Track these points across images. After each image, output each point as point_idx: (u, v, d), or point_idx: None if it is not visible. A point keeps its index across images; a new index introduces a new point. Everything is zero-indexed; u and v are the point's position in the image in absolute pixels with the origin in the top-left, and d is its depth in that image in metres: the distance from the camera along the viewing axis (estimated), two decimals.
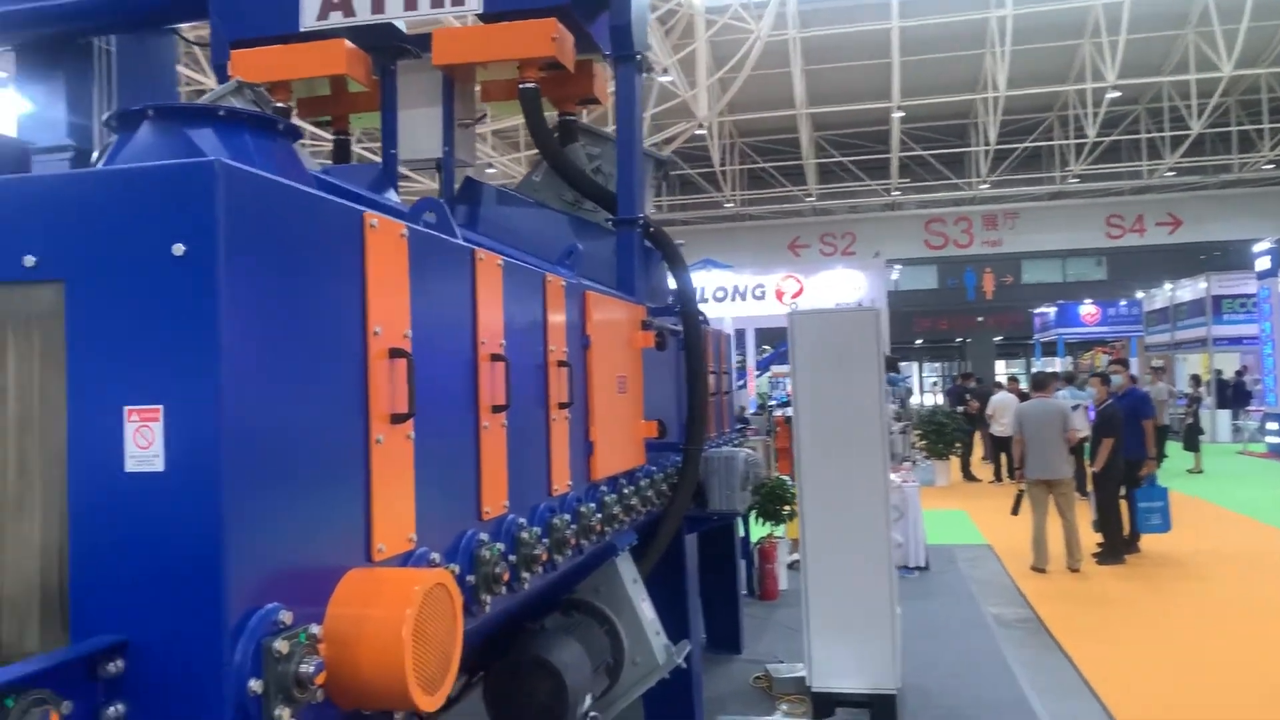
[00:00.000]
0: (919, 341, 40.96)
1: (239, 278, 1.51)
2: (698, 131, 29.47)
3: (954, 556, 9.70)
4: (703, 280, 28.27)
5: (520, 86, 3.99)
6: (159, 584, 1.47)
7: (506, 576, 2.33)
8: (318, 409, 1.73)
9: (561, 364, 2.98)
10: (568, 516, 2.88)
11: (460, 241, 2.43)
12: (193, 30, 5.70)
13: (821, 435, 5.20)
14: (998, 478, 16.21)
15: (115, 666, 1.45)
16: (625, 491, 3.56)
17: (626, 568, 3.71)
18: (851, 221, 38.39)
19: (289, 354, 1.65)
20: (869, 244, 36.35)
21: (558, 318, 2.99)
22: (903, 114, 29.50)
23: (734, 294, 27.56)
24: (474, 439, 2.36)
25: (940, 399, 32.41)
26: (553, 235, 4.30)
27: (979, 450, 18.55)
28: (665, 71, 25.16)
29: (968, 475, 16.93)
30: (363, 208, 1.91)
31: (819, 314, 5.81)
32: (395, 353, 1.93)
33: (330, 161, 4.72)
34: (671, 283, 4.53)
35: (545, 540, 2.69)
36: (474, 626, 2.29)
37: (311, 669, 1.53)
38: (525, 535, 2.53)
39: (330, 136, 4.73)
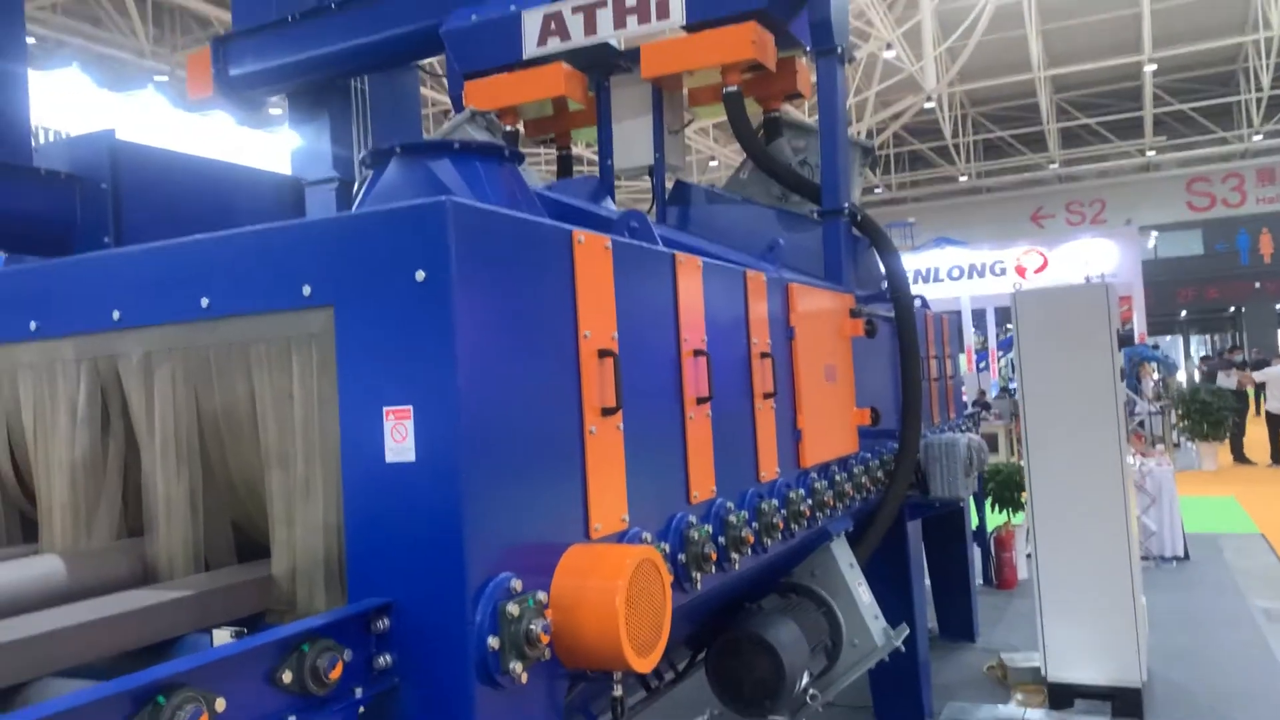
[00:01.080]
0: (1184, 314, 37.39)
1: (469, 297, 1.78)
2: (926, 105, 28.43)
3: (1219, 546, 8.95)
4: (937, 259, 27.30)
5: (724, 91, 4.16)
6: (415, 556, 1.77)
7: (715, 556, 2.52)
8: (539, 405, 1.99)
9: (765, 355, 3.13)
10: (775, 502, 3.03)
11: (660, 248, 2.63)
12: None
13: (1051, 418, 5.03)
14: (1275, 459, 14.66)
15: (383, 623, 1.76)
16: (837, 478, 3.66)
17: (842, 552, 3.80)
18: (1101, 187, 35.63)
19: (513, 359, 1.92)
20: (1121, 211, 33.62)
21: (759, 311, 3.14)
22: (1155, 67, 27.08)
23: (970, 271, 26.40)
24: (680, 429, 2.57)
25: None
26: (760, 230, 4.44)
27: (1257, 430, 16.84)
28: (889, 46, 24.47)
29: (1240, 458, 15.42)
30: (571, 226, 2.15)
31: (1044, 293, 5.61)
32: (603, 353, 2.17)
33: (554, 176, 5.09)
34: (883, 268, 4.55)
35: (754, 524, 2.86)
36: (688, 602, 2.50)
37: (539, 629, 1.78)
38: (732, 518, 2.71)
39: (555, 152, 5.10)
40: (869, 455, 4.15)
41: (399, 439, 1.77)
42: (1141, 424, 15.70)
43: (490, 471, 1.81)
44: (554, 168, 5.42)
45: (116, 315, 2.06)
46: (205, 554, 2.04)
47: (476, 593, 1.74)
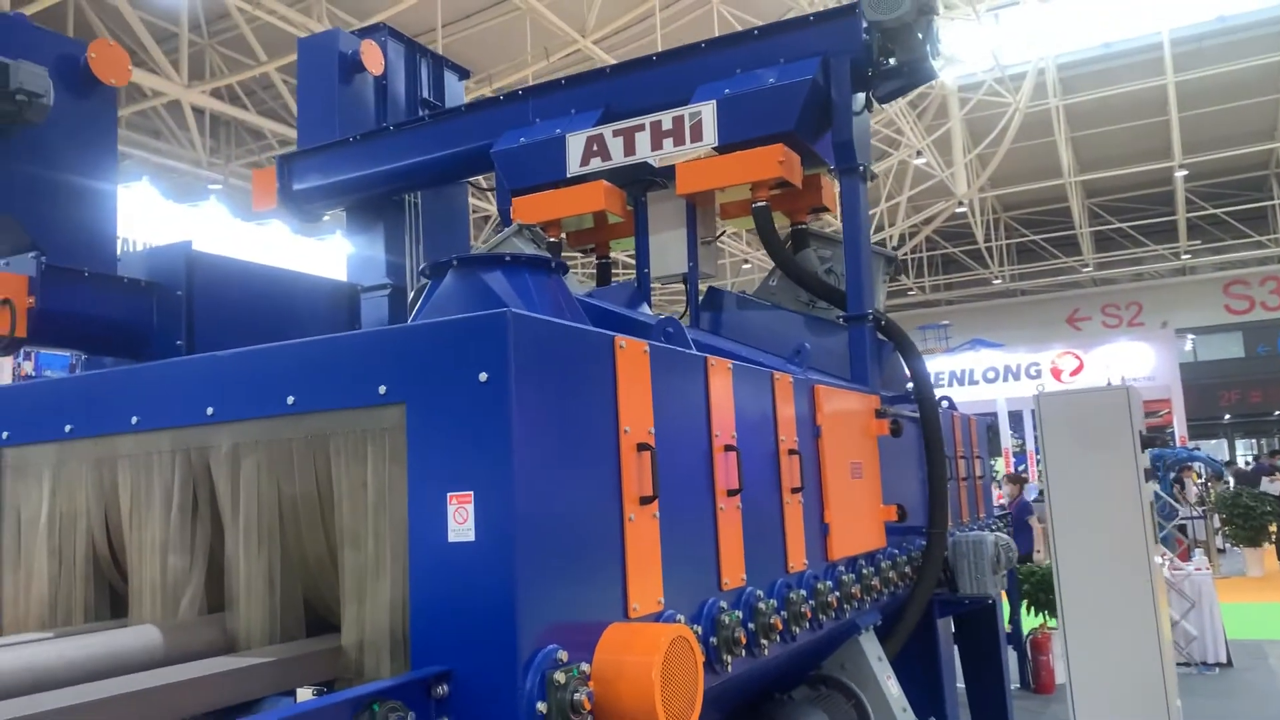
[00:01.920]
0: (1226, 417, 36.87)
1: (525, 395, 2.02)
2: (958, 210, 28.95)
3: (1265, 652, 8.79)
4: (972, 361, 27.38)
5: (753, 206, 4.46)
6: (473, 628, 1.97)
7: (744, 639, 2.68)
8: (584, 493, 2.20)
9: (792, 452, 3.33)
10: (804, 592, 3.19)
11: (693, 351, 2.88)
12: None
13: (1077, 519, 5.14)
14: None
15: (442, 689, 1.95)
16: (865, 572, 3.80)
17: (870, 645, 3.92)
18: (1137, 290, 35.71)
19: (562, 451, 2.14)
20: (1158, 313, 33.59)
21: (787, 410, 3.35)
22: (1186, 172, 27.47)
23: (1005, 374, 26.44)
24: (712, 518, 2.76)
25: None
26: (788, 334, 4.69)
27: None
28: (919, 154, 25.12)
29: None
30: (613, 333, 2.40)
31: (1068, 395, 5.76)
32: (641, 446, 2.39)
33: (594, 283, 5.40)
34: (908, 370, 4.75)
35: (782, 612, 3.02)
36: (719, 684, 2.65)
37: (583, 696, 1.96)
38: (762, 605, 2.87)
39: (594, 261, 5.43)
40: (896, 551, 4.28)
41: (460, 521, 1.99)
42: (1183, 529, 15.50)
43: (541, 552, 2.02)
44: (592, 274, 5.74)
45: (210, 411, 2.33)
46: (280, 630, 2.25)
47: (527, 662, 1.93)
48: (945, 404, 5.96)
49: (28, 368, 7.47)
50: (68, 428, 2.53)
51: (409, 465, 2.07)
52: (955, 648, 6.57)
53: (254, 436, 2.28)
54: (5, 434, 2.64)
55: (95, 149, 4.51)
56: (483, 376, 2.00)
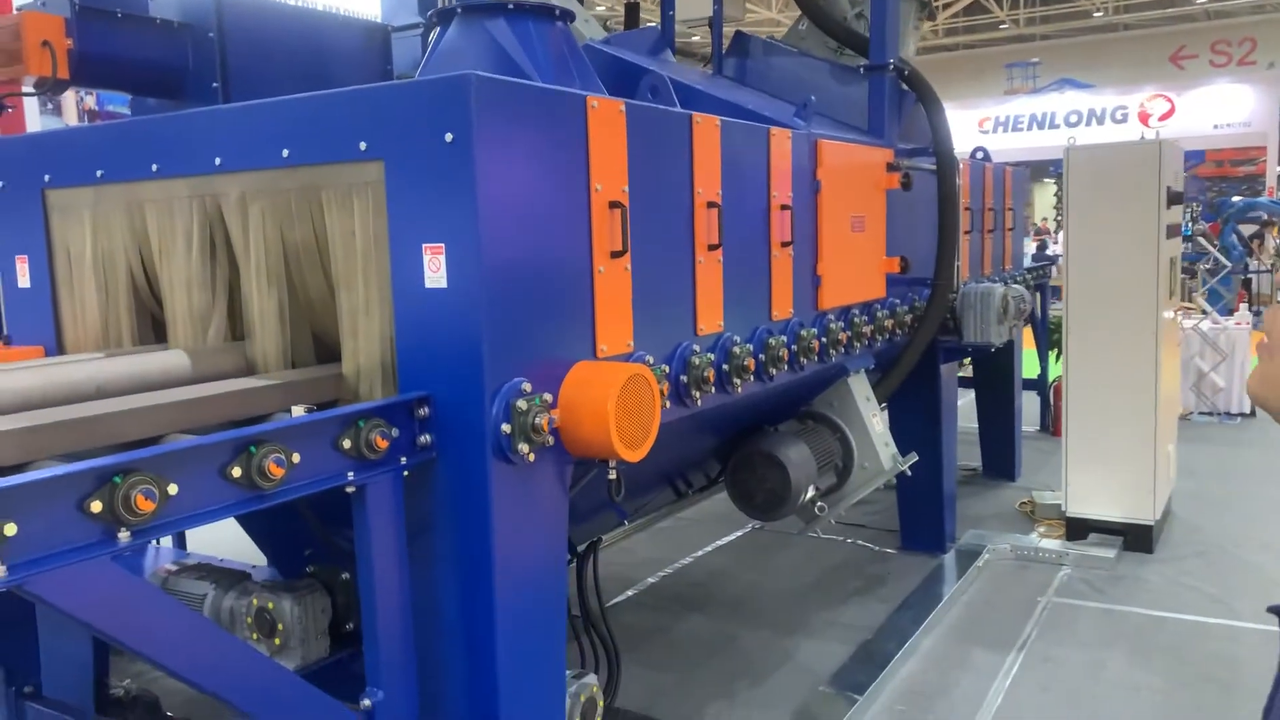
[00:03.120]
0: None
1: (489, 155, 2.19)
2: None
3: None
4: (1055, 104, 25.99)
5: None
6: (448, 361, 2.26)
7: (712, 377, 2.96)
8: (552, 247, 2.41)
9: (784, 208, 3.46)
10: (785, 338, 3.43)
11: (676, 110, 2.96)
12: None
13: (1093, 271, 5.21)
14: None
15: (424, 411, 2.27)
16: (856, 320, 4.01)
17: (859, 386, 4.21)
18: (1254, 25, 32.73)
19: (530, 207, 2.33)
20: (1275, 51, 30.97)
21: (782, 166, 3.45)
22: None
23: (1089, 118, 25.17)
24: (690, 271, 2.97)
25: None
26: (813, 81, 4.65)
27: None
28: None
29: None
30: (585, 93, 2.51)
31: (1096, 149, 5.63)
32: (613, 204, 2.56)
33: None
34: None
35: (760, 355, 3.28)
36: (689, 415, 2.96)
37: (542, 420, 2.26)
38: (737, 349, 3.13)
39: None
40: (898, 301, 4.47)
41: (435, 270, 2.23)
42: (1248, 283, 15.24)
43: (506, 299, 2.26)
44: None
45: (218, 161, 2.55)
46: (292, 356, 2.58)
47: (494, 391, 2.23)
48: (980, 155, 5.91)
49: (90, 102, 7.72)
50: (99, 173, 2.78)
51: (389, 218, 2.29)
52: (974, 391, 6.91)
53: (257, 186, 2.51)
54: (48, 177, 2.92)
55: None
56: (449, 137, 2.17)
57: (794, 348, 3.51)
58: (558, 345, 2.44)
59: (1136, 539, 5.26)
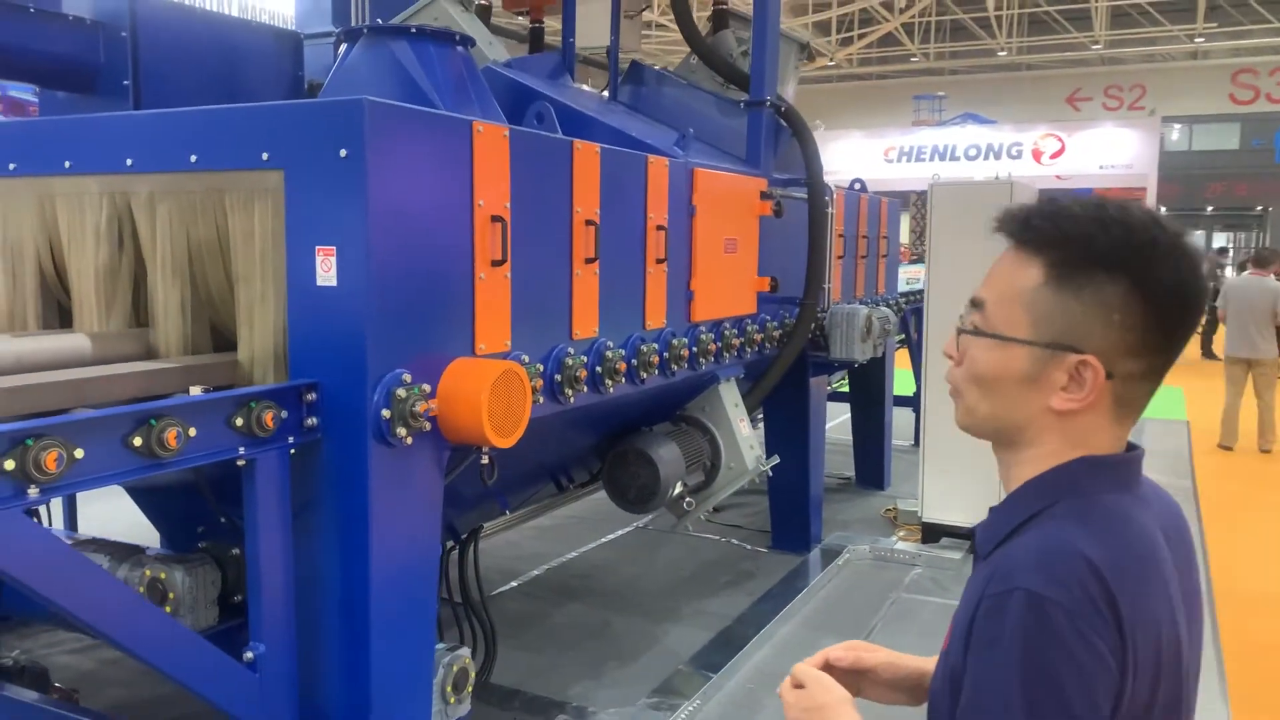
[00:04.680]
0: (1210, 209, 37.00)
1: (380, 170, 2.47)
2: None
3: (1141, 430, 9.74)
4: (956, 137, 27.20)
5: None
6: (334, 352, 2.52)
7: (584, 375, 3.28)
8: (437, 254, 2.71)
9: (660, 228, 3.81)
10: (656, 345, 3.78)
11: (558, 137, 3.29)
12: None
13: (952, 302, 5.71)
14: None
15: (311, 395, 2.53)
16: (727, 333, 4.39)
17: (729, 393, 4.59)
18: (1144, 73, 34.69)
19: (416, 218, 2.62)
20: (1161, 98, 32.85)
21: (659, 191, 3.80)
22: None
23: (988, 152, 26.42)
24: (569, 281, 3.29)
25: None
26: (700, 112, 5.03)
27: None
28: None
29: (1207, 353, 16.07)
30: (470, 118, 2.81)
31: (956, 186, 6.16)
32: (495, 218, 2.87)
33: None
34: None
35: (631, 360, 3.62)
36: (560, 411, 3.27)
37: (419, 407, 2.55)
38: (609, 354, 3.46)
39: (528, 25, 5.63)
40: (768, 317, 4.87)
41: (326, 270, 2.51)
42: None
43: (389, 298, 2.54)
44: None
45: (129, 162, 2.77)
46: (192, 345, 2.81)
47: (376, 380, 2.51)
48: (857, 185, 6.40)
49: None
50: (11, 166, 2.97)
51: (286, 222, 2.55)
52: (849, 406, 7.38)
53: (165, 187, 2.74)
54: None
55: None
56: (343, 153, 2.45)
57: (665, 355, 3.86)
58: (438, 342, 2.73)
59: None
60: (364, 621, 2.58)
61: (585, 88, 5.44)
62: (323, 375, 2.54)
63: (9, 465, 1.89)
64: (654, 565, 5.76)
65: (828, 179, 5.20)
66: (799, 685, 1.28)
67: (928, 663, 1.38)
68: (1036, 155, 24.89)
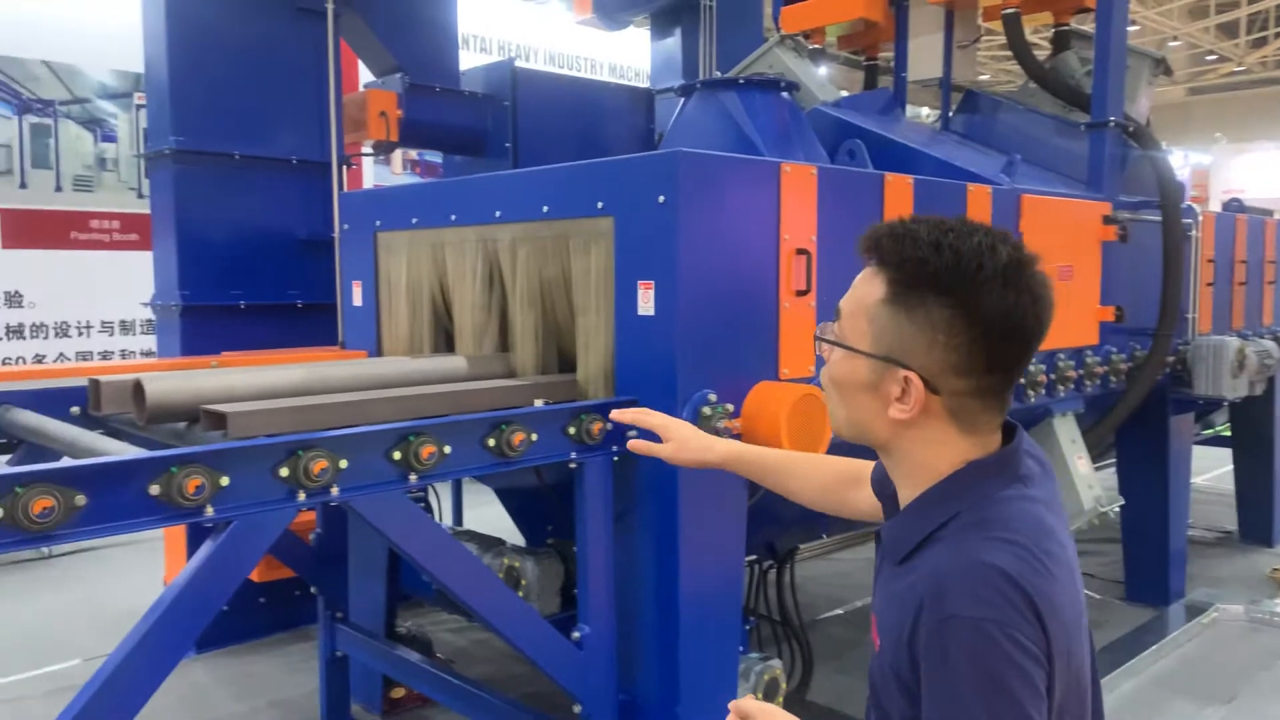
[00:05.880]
0: None
1: (691, 213, 2.78)
2: None
3: None
4: None
5: (1002, 12, 4.61)
6: (651, 372, 2.86)
7: None
8: (742, 285, 2.96)
9: None
10: None
11: (869, 171, 3.42)
12: None
13: None
14: None
15: None
16: (1061, 364, 4.21)
17: (1064, 428, 4.38)
18: None
19: (723, 253, 2.89)
20: None
21: (980, 219, 3.76)
22: None
23: None
24: None
25: None
26: (1037, 137, 4.88)
27: None
28: None
29: None
30: (777, 160, 3.04)
31: None
32: (800, 251, 3.07)
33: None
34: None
35: None
36: None
37: (722, 424, 2.80)
38: None
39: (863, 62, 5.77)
40: (1114, 350, 4.57)
41: (645, 302, 2.85)
42: None
43: (698, 326, 2.83)
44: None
45: (497, 214, 3.32)
46: (542, 365, 3.30)
47: (684, 399, 2.81)
48: (1234, 205, 5.79)
49: (412, 153, 9.18)
50: (414, 220, 3.66)
51: (615, 261, 2.93)
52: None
53: (523, 234, 3.25)
54: (379, 222, 3.85)
55: None
56: (661, 199, 2.78)
57: None
58: (743, 366, 2.98)
59: None
60: (673, 616, 2.86)
61: (920, 119, 5.47)
62: (641, 393, 2.89)
63: (396, 456, 2.40)
64: None
65: (1226, 197, 4.78)
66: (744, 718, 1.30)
67: None
68: None
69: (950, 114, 5.23)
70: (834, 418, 1.35)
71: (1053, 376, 4.15)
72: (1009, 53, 5.08)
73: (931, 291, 1.19)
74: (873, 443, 1.31)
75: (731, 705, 1.30)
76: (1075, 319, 4.36)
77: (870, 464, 1.61)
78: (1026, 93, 5.17)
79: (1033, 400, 4.08)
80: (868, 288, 1.25)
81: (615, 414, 1.96)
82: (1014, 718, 1.06)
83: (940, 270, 1.18)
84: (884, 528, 1.34)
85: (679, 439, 1.85)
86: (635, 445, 1.88)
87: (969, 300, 1.17)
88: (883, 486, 1.42)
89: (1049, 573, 1.13)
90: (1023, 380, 3.96)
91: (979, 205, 3.79)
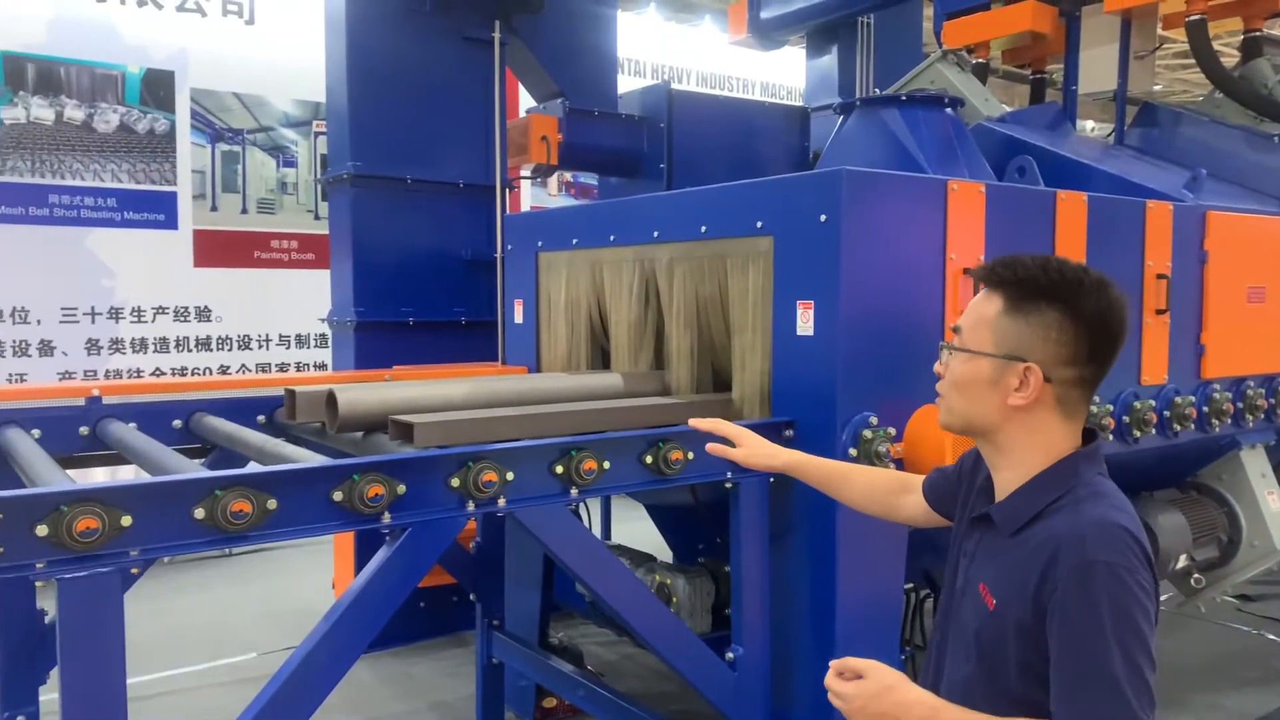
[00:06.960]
0: None
1: (854, 231, 2.74)
2: None
3: None
4: None
5: (1186, 19, 4.35)
6: (809, 393, 2.83)
7: None
8: (906, 306, 2.89)
9: (1160, 277, 3.57)
10: (1154, 403, 3.53)
11: (1040, 189, 3.28)
12: None
13: None
14: None
15: (789, 433, 2.86)
16: (1250, 392, 3.92)
17: (1254, 461, 4.07)
18: None
19: (887, 273, 2.84)
20: None
21: (1160, 237, 3.57)
22: None
23: None
24: None
25: None
26: (1224, 150, 4.57)
27: None
28: None
29: None
30: (946, 177, 2.96)
31: None
32: (966, 271, 2.97)
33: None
34: None
35: (1124, 417, 3.43)
36: None
37: (884, 449, 2.74)
38: (1094, 409, 3.33)
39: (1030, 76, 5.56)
40: None
41: (805, 322, 2.83)
42: None
43: (860, 347, 2.78)
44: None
45: (655, 234, 3.36)
46: (697, 383, 3.31)
47: (844, 422, 2.76)
48: None
49: (568, 175, 9.43)
50: (574, 241, 3.75)
51: (774, 280, 2.92)
52: None
53: (680, 253, 3.28)
54: (540, 243, 3.96)
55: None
56: (823, 218, 2.75)
57: (1166, 413, 3.59)
58: (907, 388, 2.90)
59: None
60: (829, 640, 2.81)
61: (1086, 133, 5.23)
62: (799, 414, 2.86)
63: (559, 470, 2.46)
64: (1161, 645, 5.19)
65: None
66: (857, 676, 1.50)
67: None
68: None
69: (1125, 128, 4.97)
70: (949, 413, 1.65)
71: (1240, 405, 3.87)
72: (1184, 61, 4.79)
73: (1044, 300, 1.50)
74: (981, 431, 1.60)
75: (833, 663, 1.54)
76: (1268, 344, 4.05)
77: (918, 476, 2.01)
78: (1212, 104, 4.86)
79: (1217, 430, 3.81)
80: (985, 305, 1.57)
81: (693, 422, 2.25)
82: (1136, 637, 1.36)
83: (1050, 284, 1.50)
84: (994, 509, 1.60)
85: (750, 445, 2.16)
86: (712, 448, 2.18)
87: (1074, 305, 1.49)
88: (936, 490, 1.92)
89: (1146, 535, 1.46)
90: (1202, 409, 3.71)
91: (1159, 223, 3.58)
